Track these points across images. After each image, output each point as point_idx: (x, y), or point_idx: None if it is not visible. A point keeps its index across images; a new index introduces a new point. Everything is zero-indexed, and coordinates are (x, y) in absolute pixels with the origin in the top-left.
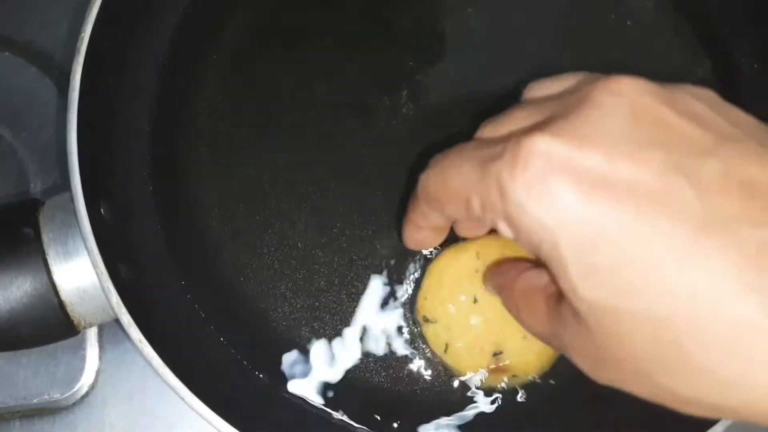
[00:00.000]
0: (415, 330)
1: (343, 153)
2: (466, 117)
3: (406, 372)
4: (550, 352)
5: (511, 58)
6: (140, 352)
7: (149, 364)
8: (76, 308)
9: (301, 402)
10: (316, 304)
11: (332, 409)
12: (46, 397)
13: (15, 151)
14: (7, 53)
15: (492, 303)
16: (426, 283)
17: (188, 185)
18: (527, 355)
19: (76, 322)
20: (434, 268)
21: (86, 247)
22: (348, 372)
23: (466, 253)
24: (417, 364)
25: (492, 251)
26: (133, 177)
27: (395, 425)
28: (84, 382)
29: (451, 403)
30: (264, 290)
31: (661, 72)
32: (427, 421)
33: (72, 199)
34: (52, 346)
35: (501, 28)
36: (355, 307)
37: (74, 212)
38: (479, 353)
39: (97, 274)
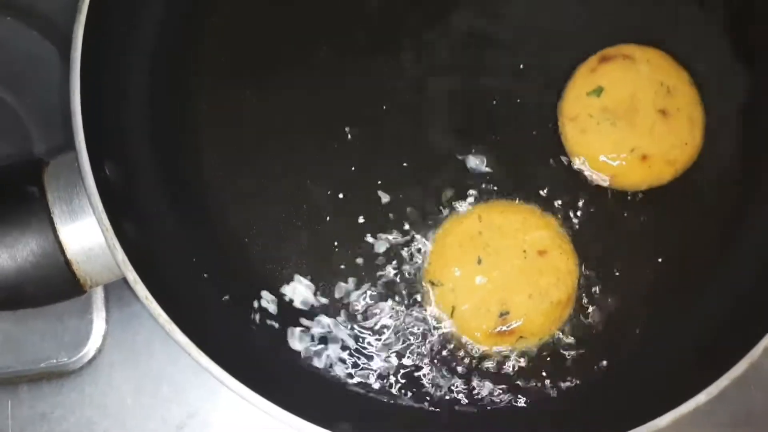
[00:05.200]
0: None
1: (348, 114)
2: (470, 76)
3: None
4: (556, 312)
5: (516, 15)
6: (147, 309)
7: (156, 320)
8: (82, 267)
9: (305, 360)
10: (321, 265)
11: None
12: (54, 361)
13: (19, 115)
14: (8, 18)
15: (496, 263)
16: (431, 249)
17: (191, 145)
18: (533, 314)
19: (82, 281)
20: (439, 234)
21: (91, 205)
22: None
23: (469, 217)
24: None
25: (494, 215)
26: (137, 135)
27: None
28: (91, 346)
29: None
30: (268, 251)
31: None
32: None
33: (77, 158)
34: (59, 310)
35: None
36: (360, 269)
37: (79, 171)
38: (485, 314)
39: (103, 232)
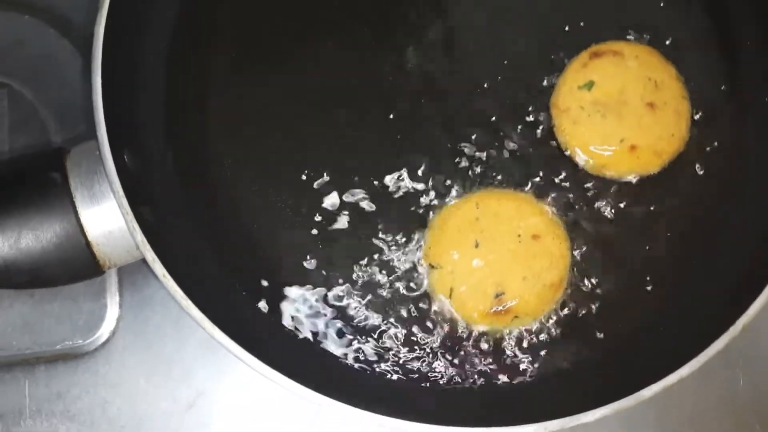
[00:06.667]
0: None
1: (351, 109)
2: (469, 73)
3: None
4: (549, 293)
5: (516, 15)
6: (164, 287)
7: (173, 297)
8: (102, 248)
9: (315, 340)
10: (328, 251)
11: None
12: (69, 343)
13: (37, 109)
14: (26, 16)
15: (493, 248)
16: (431, 234)
17: (204, 135)
18: (527, 295)
19: (101, 262)
20: (437, 219)
21: (112, 190)
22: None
23: (467, 203)
24: None
25: (491, 202)
26: (153, 125)
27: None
28: (105, 328)
29: None
30: (277, 237)
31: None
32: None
33: (98, 146)
34: (74, 294)
35: None
36: (364, 255)
37: (99, 158)
38: (482, 295)
39: (123, 215)
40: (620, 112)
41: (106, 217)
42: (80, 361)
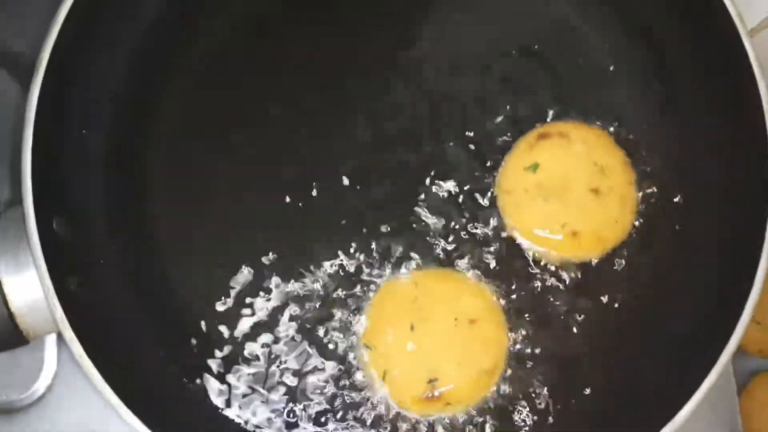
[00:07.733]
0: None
1: (300, 179)
2: (421, 139)
3: None
4: (483, 380)
5: (465, 96)
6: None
7: (89, 380)
8: (26, 319)
9: (241, 421)
10: (262, 328)
11: None
12: (3, 397)
13: None
14: None
15: (428, 330)
16: (369, 312)
17: (143, 203)
18: (461, 382)
19: (25, 332)
20: (376, 298)
21: (34, 263)
22: None
23: (406, 283)
24: None
25: (431, 281)
26: (90, 192)
27: None
28: (41, 383)
29: None
30: (215, 313)
31: None
32: None
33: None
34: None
35: (454, 47)
36: (297, 330)
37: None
38: (415, 380)
39: (44, 290)
40: (563, 197)
41: (31, 287)
42: (13, 417)
